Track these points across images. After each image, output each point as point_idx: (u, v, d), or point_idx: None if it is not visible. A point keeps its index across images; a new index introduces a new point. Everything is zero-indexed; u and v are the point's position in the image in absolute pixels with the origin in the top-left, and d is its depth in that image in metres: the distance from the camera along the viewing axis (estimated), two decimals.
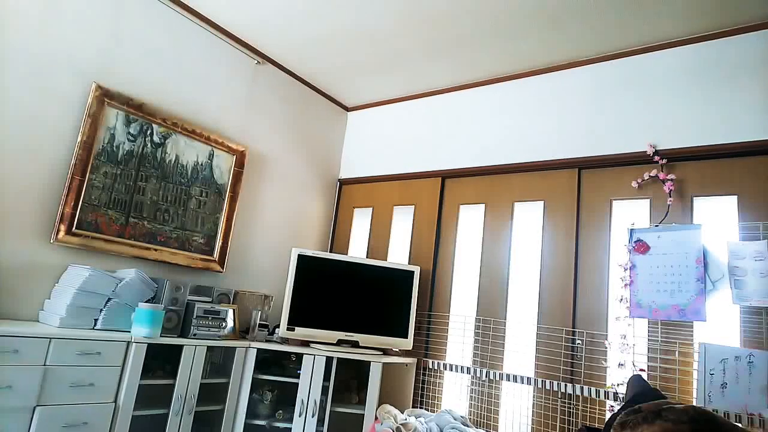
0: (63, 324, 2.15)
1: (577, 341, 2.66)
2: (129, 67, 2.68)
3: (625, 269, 2.52)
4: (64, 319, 2.16)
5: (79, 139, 2.43)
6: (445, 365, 3.02)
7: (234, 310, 2.79)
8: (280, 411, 2.76)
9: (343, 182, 4.00)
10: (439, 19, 2.75)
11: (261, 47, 3.31)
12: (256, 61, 3.35)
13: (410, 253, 3.45)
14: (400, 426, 2.43)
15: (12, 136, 2.26)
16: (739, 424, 2.06)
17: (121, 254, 2.58)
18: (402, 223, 3.60)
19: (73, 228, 2.40)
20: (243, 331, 2.94)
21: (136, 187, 2.67)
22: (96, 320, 2.28)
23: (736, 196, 2.42)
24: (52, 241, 2.34)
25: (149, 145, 2.73)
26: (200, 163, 2.98)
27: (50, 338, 1.97)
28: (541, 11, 2.58)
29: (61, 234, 2.35)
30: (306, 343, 2.95)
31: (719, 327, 2.29)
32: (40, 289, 2.32)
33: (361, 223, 3.83)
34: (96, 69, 2.54)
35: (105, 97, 2.53)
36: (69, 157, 2.42)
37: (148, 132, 2.73)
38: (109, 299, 2.32)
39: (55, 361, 1.98)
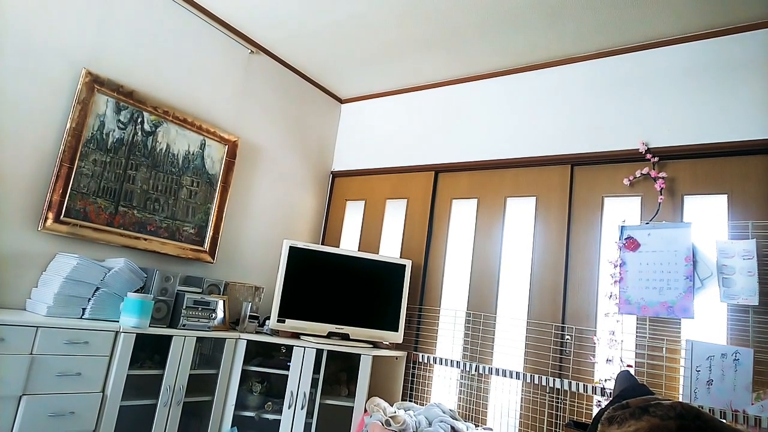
0: (50, 313, 2.13)
1: (566, 337, 2.67)
2: (120, 53, 2.64)
3: (615, 266, 2.53)
4: (51, 308, 2.13)
5: (68, 125, 2.39)
6: (434, 359, 3.03)
7: (224, 301, 2.78)
8: (270, 403, 2.75)
9: (336, 175, 3.98)
10: (434, 12, 2.74)
11: (255, 37, 3.28)
12: (249, 51, 3.32)
13: (402, 246, 3.45)
14: (390, 419, 2.44)
15: None
16: (725, 421, 2.09)
17: (109, 243, 2.55)
18: (394, 216, 3.59)
19: (61, 216, 2.36)
20: (233, 323, 2.93)
21: (126, 176, 2.64)
22: (84, 309, 2.25)
23: (726, 195, 2.44)
24: (39, 228, 2.31)
25: (140, 133, 2.70)
26: (191, 153, 2.95)
27: (37, 327, 1.95)
28: (538, 6, 2.58)
29: (49, 222, 2.32)
30: (296, 335, 2.94)
31: (707, 325, 2.32)
32: (27, 277, 2.29)
33: (353, 216, 3.82)
34: (86, 55, 2.50)
35: (95, 83, 2.49)
36: (58, 144, 2.39)
37: (139, 120, 2.69)
38: (97, 288, 2.29)
39: (42, 350, 1.95)
